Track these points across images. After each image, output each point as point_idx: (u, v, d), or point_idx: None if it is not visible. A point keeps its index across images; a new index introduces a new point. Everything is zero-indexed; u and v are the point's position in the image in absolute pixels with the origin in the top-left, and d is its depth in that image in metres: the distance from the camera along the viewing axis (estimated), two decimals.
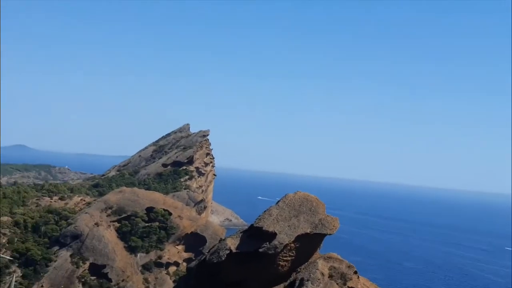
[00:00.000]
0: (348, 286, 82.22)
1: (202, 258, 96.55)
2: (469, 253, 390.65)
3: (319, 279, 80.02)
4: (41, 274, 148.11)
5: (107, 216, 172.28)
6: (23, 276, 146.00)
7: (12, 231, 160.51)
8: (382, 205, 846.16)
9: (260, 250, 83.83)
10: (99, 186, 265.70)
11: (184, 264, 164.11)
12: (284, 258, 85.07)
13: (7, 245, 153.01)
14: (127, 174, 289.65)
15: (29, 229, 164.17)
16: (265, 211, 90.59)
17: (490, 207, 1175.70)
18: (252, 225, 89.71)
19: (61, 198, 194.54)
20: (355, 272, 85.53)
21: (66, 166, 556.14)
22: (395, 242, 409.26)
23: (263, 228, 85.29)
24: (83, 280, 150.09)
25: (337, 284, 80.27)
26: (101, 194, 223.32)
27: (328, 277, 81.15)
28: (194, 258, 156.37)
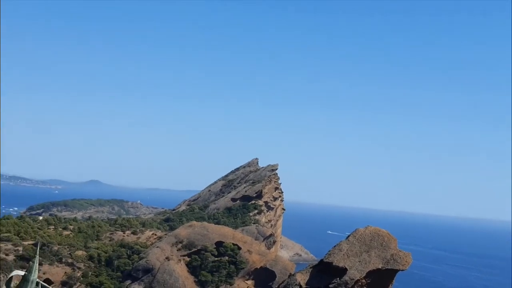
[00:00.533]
0: None
1: None
2: None
3: None
4: None
5: (177, 250, 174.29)
6: None
7: (86, 265, 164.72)
8: (455, 239, 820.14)
9: (331, 286, 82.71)
10: (170, 220, 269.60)
11: None
12: None
13: (81, 278, 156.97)
14: (197, 208, 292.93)
15: (103, 263, 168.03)
16: (335, 246, 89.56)
17: None
18: (322, 260, 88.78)
19: (134, 233, 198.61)
20: None
21: (138, 201, 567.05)
22: (470, 278, 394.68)
23: (333, 263, 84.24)
24: None
25: None
26: (172, 229, 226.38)
27: None
28: None
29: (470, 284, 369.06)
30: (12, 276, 7.86)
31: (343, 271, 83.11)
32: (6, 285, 8.09)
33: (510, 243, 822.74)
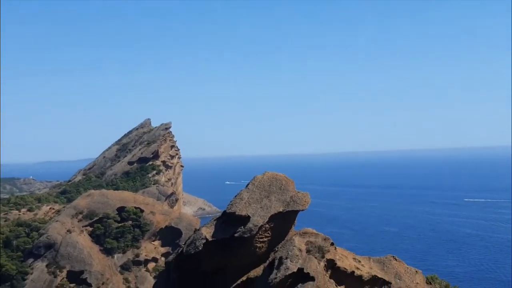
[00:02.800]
0: (326, 259, 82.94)
1: (180, 251, 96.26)
2: (439, 209, 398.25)
3: (297, 256, 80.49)
4: None
5: (78, 221, 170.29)
6: None
7: None
8: (350, 175, 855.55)
9: (236, 235, 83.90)
10: (66, 192, 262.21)
11: (163, 259, 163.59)
12: (261, 240, 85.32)
13: None
14: (94, 177, 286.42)
15: (1, 245, 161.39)
16: (236, 196, 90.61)
17: (454, 162, 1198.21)
18: (225, 211, 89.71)
19: (30, 210, 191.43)
20: (332, 244, 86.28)
21: (31, 177, 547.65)
22: (368, 209, 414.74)
23: (236, 213, 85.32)
24: None
25: (316, 258, 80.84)
26: (69, 200, 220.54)
27: (306, 252, 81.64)
28: (171, 252, 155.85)
29: (364, 214, 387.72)
30: None
31: (247, 219, 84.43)
32: None
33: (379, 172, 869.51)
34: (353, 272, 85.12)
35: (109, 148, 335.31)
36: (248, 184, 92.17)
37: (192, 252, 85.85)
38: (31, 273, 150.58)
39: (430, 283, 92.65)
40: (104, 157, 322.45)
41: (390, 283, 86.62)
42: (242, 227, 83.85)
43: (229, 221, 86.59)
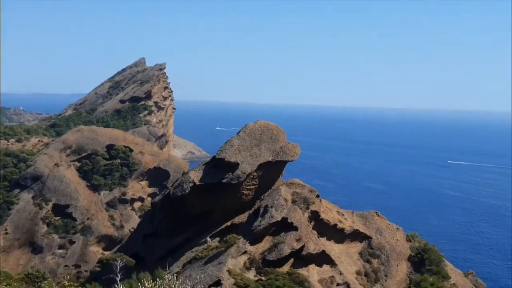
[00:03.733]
0: (311, 210, 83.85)
1: (167, 192, 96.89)
2: (427, 170, 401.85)
3: (282, 205, 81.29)
4: (4, 217, 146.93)
5: (66, 156, 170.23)
6: None
7: None
8: (344, 129, 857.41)
9: (224, 180, 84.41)
10: (56, 126, 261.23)
11: (149, 199, 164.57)
12: (248, 187, 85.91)
13: None
14: (84, 112, 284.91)
15: None
16: (226, 142, 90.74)
17: (448, 124, 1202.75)
18: (214, 156, 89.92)
19: (18, 141, 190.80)
20: (317, 196, 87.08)
21: (21, 107, 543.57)
22: (356, 164, 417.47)
23: (225, 159, 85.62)
24: (47, 221, 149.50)
25: (300, 208, 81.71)
26: (58, 134, 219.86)
27: (291, 203, 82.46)
28: (158, 193, 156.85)
29: (353, 169, 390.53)
30: None
31: (235, 165, 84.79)
32: None
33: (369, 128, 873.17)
34: (336, 225, 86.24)
35: (102, 84, 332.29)
36: (239, 132, 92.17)
37: (179, 195, 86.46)
38: (17, 204, 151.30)
39: (410, 241, 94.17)
40: (96, 93, 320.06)
41: (371, 238, 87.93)
42: (231, 173, 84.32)
43: (217, 166, 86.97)
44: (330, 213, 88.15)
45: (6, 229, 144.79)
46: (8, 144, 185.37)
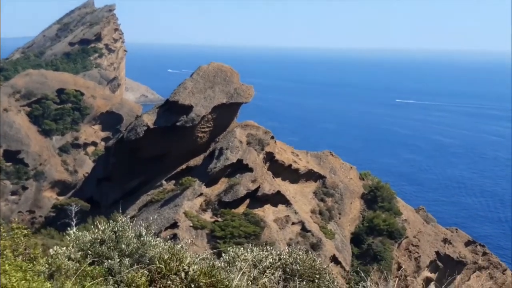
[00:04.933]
0: (266, 151, 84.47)
1: (120, 136, 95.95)
2: (380, 109, 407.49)
3: (237, 147, 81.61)
4: None
5: (16, 101, 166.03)
6: None
7: None
8: (298, 70, 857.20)
9: (178, 123, 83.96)
10: (3, 70, 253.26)
11: (102, 143, 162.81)
12: (202, 130, 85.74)
13: None
14: (33, 56, 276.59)
15: None
16: (180, 85, 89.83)
17: (403, 64, 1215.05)
18: (167, 99, 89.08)
19: None
20: (272, 137, 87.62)
21: None
22: (311, 106, 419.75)
23: (179, 102, 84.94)
24: None
25: (255, 150, 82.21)
26: (6, 79, 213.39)
27: (246, 144, 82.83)
28: (111, 137, 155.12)
29: (308, 110, 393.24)
30: None
31: (189, 108, 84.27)
32: None
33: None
34: (291, 165, 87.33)
35: (50, 27, 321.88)
36: (192, 74, 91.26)
37: (133, 138, 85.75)
38: None
39: (363, 179, 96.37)
40: (44, 36, 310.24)
41: (325, 177, 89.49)
42: (185, 116, 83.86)
43: (171, 109, 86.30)
44: (285, 154, 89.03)
45: None
46: None
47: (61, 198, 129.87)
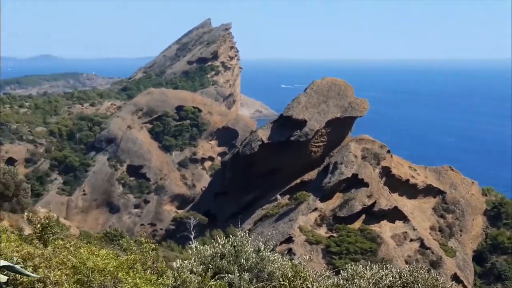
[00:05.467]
0: (382, 166, 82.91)
1: (236, 151, 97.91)
2: (497, 120, 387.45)
3: (352, 161, 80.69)
4: (82, 179, 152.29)
5: (138, 118, 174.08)
6: (64, 183, 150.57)
7: (48, 140, 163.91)
8: (412, 82, 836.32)
9: (292, 138, 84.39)
10: (127, 89, 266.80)
11: (219, 158, 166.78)
12: (316, 144, 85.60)
13: (45, 154, 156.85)
14: (154, 75, 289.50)
15: (65, 137, 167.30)
16: (293, 100, 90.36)
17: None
18: (281, 114, 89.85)
19: (92, 105, 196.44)
20: (388, 151, 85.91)
21: (93, 72, 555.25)
22: (426, 117, 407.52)
23: (293, 117, 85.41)
24: (122, 181, 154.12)
25: (371, 164, 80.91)
26: (130, 97, 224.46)
27: (362, 159, 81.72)
28: (227, 152, 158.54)
29: (426, 120, 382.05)
30: None
31: (303, 123, 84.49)
32: None
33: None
34: (408, 180, 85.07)
35: (169, 47, 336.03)
36: (306, 89, 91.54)
37: (248, 153, 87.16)
38: (93, 165, 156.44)
39: (486, 195, 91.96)
40: (164, 56, 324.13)
41: (445, 192, 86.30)
42: (299, 131, 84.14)
43: (285, 124, 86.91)
44: (401, 168, 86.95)
45: (84, 190, 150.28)
46: (82, 109, 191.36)
47: (180, 211, 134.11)
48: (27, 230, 33.31)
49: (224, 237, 14.24)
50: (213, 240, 13.99)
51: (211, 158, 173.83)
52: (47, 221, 14.98)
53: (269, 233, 70.77)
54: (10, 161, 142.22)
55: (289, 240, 71.51)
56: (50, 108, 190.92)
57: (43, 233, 14.83)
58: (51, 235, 14.93)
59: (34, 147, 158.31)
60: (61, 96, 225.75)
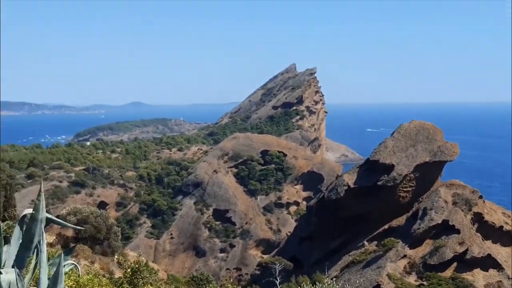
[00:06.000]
0: (473, 212, 79.72)
1: (321, 196, 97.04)
2: None
3: (442, 207, 78.07)
4: (169, 223, 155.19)
5: (224, 162, 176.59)
6: (152, 226, 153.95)
7: (137, 184, 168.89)
8: (503, 125, 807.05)
9: (379, 183, 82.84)
10: (213, 134, 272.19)
11: (304, 203, 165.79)
12: (404, 189, 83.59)
13: (134, 198, 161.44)
14: (239, 120, 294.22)
15: (153, 182, 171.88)
16: (380, 144, 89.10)
17: None
18: (368, 158, 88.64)
19: (180, 149, 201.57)
20: (480, 197, 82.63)
21: (181, 118, 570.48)
22: None
23: (380, 161, 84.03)
24: (208, 225, 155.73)
25: (462, 210, 77.98)
26: (216, 142, 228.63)
27: (452, 204, 78.96)
28: (313, 197, 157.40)
29: (508, 166, 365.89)
30: (25, 215, 7.41)
31: (391, 167, 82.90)
32: (19, 224, 7.62)
33: None
34: (502, 226, 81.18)
35: (255, 92, 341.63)
36: (393, 132, 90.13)
37: (334, 198, 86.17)
38: (180, 209, 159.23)
39: None
40: (250, 101, 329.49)
41: None
42: (386, 175, 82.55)
43: (372, 169, 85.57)
44: (494, 214, 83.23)
45: (171, 234, 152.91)
46: (170, 153, 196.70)
47: (265, 256, 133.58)
48: (117, 273, 34.02)
49: (310, 284, 13.94)
50: (299, 287, 13.75)
51: (296, 203, 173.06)
52: (136, 266, 15.22)
53: (357, 281, 69.07)
54: (102, 205, 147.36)
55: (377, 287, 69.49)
56: (140, 153, 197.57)
57: (133, 277, 15.11)
58: (141, 279, 15.17)
59: (124, 191, 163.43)
60: (150, 142, 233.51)
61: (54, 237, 39.43)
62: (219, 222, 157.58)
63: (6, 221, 31.24)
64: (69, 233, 42.93)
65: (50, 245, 37.09)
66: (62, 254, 7.63)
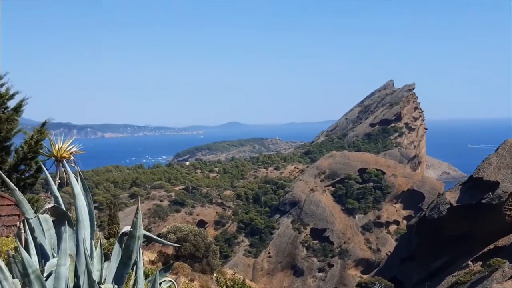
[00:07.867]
0: None
1: (422, 215, 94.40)
2: None
3: None
4: (267, 241, 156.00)
5: (321, 181, 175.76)
6: (250, 245, 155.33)
7: (235, 203, 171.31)
8: None
9: (483, 201, 79.57)
10: (310, 152, 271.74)
11: (404, 222, 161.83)
12: (510, 207, 79.79)
13: (232, 216, 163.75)
14: (336, 138, 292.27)
15: (250, 200, 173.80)
16: (484, 160, 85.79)
17: None
18: (471, 176, 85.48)
19: (276, 168, 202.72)
20: None
21: (277, 137, 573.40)
22: None
23: (484, 178, 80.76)
24: (306, 244, 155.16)
25: None
26: (312, 161, 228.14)
27: None
28: (413, 215, 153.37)
29: None
30: (124, 232, 7.63)
31: (495, 185, 79.48)
32: (118, 241, 7.84)
33: None
34: None
35: (351, 110, 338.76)
36: (497, 148, 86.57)
37: (435, 217, 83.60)
38: (278, 228, 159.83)
39: None
40: (346, 118, 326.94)
41: None
42: (490, 193, 79.19)
43: (475, 186, 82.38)
44: None
45: (269, 253, 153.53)
46: (267, 172, 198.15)
47: (365, 276, 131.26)
48: None
49: None
50: None
51: (396, 222, 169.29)
52: (232, 283, 15.31)
53: None
54: (201, 223, 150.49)
55: None
56: (237, 172, 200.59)
57: None
58: None
59: (222, 210, 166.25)
60: (247, 161, 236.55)
61: (156, 255, 40.59)
62: (316, 241, 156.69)
63: (110, 238, 32.51)
64: (170, 251, 44.10)
65: (151, 262, 38.24)
66: (157, 271, 7.79)
